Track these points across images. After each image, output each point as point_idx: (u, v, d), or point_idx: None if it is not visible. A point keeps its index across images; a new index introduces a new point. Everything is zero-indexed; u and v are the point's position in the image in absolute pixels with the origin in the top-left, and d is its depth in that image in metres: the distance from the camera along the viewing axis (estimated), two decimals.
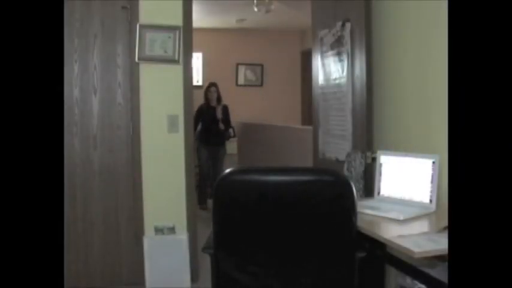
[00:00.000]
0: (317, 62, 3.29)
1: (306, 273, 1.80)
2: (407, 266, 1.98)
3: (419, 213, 2.02)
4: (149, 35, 3.18)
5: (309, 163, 3.61)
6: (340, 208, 1.73)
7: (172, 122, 3.27)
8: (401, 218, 1.92)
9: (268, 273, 1.81)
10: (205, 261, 2.24)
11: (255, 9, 5.88)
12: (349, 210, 1.73)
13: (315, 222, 1.75)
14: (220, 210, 1.80)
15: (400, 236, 1.69)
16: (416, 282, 2.08)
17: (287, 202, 1.74)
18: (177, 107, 3.29)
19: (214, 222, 1.83)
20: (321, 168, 1.75)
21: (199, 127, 5.59)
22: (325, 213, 1.74)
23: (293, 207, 1.74)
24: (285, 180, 1.76)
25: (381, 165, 2.31)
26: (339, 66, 2.96)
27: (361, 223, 1.94)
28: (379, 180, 2.30)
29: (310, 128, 3.66)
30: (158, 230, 3.25)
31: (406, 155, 2.22)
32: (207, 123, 5.60)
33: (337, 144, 3.01)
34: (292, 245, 1.79)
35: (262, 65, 8.29)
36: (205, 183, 5.73)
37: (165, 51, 3.22)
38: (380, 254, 2.17)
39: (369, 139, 2.68)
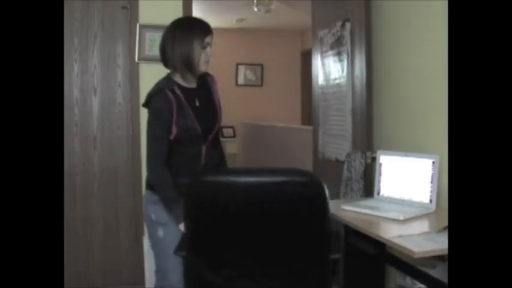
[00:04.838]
0: (317, 62, 3.29)
1: (280, 275, 1.76)
2: (407, 266, 1.98)
3: (419, 213, 2.02)
4: (149, 35, 3.17)
5: (308, 163, 3.61)
6: (311, 209, 1.70)
7: None
8: (401, 218, 1.92)
9: (242, 276, 1.77)
10: None
11: (255, 9, 5.89)
12: (321, 211, 1.69)
13: (287, 223, 1.72)
14: (192, 211, 1.75)
15: (400, 236, 1.69)
16: (416, 282, 2.08)
17: (258, 203, 1.69)
18: None
19: (186, 224, 1.79)
20: (293, 168, 1.69)
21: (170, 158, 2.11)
22: (297, 215, 1.70)
23: (265, 209, 1.69)
24: (256, 181, 1.71)
25: (380, 165, 2.31)
26: (338, 66, 2.96)
27: (361, 223, 1.94)
28: (379, 180, 2.30)
29: (310, 128, 3.67)
30: None
31: (406, 155, 2.22)
32: (197, 138, 2.14)
33: (337, 144, 3.01)
34: (265, 247, 1.75)
35: (262, 65, 8.28)
36: None
37: None
38: (380, 254, 2.17)
39: (368, 139, 2.68)
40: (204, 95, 2.21)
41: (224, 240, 1.77)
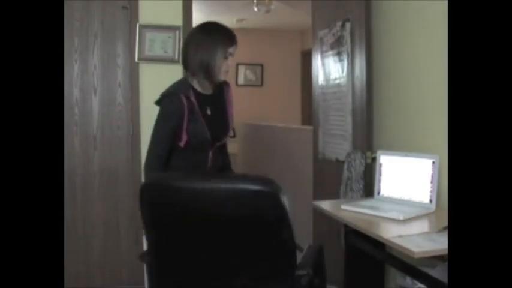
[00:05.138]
0: (317, 62, 3.29)
1: None
2: (407, 266, 1.98)
3: (419, 213, 2.02)
4: (149, 35, 3.18)
5: (309, 163, 3.61)
6: (266, 221, 1.54)
7: None
8: (401, 218, 1.92)
9: (197, 285, 1.69)
10: None
11: (255, 9, 5.89)
12: (278, 223, 1.54)
13: (241, 235, 1.58)
14: (145, 215, 1.70)
15: (400, 236, 1.69)
16: (416, 282, 2.08)
17: (204, 210, 1.58)
18: None
19: (145, 228, 1.73)
20: (248, 175, 1.57)
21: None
22: (251, 226, 1.56)
23: (214, 216, 1.58)
24: (202, 187, 1.59)
25: (380, 165, 2.31)
26: (339, 66, 2.96)
27: (361, 223, 1.94)
28: (379, 180, 2.30)
29: (310, 128, 3.66)
30: None
31: (406, 155, 2.22)
32: (207, 146, 2.16)
33: (337, 144, 3.01)
34: (218, 257, 1.63)
35: (262, 65, 8.29)
36: None
37: (165, 51, 3.22)
38: (380, 254, 2.17)
39: (368, 139, 2.68)
40: (217, 104, 2.19)
41: (176, 247, 1.69)
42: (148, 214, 1.69)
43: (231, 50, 2.10)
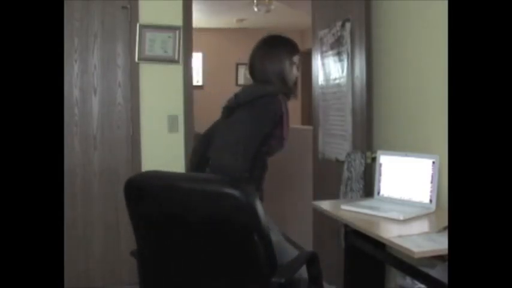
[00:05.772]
0: (317, 62, 3.29)
1: None
2: (407, 266, 1.98)
3: (419, 213, 2.02)
4: (149, 35, 3.18)
5: (308, 163, 3.61)
6: (235, 224, 1.51)
7: (172, 122, 3.27)
8: (401, 218, 1.92)
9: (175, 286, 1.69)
10: None
11: (255, 9, 5.88)
12: (250, 229, 1.50)
13: (213, 240, 1.57)
14: (128, 212, 1.70)
15: (400, 236, 1.69)
16: (416, 282, 2.08)
17: (180, 211, 1.59)
18: (177, 107, 3.29)
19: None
20: (219, 177, 1.59)
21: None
22: (221, 228, 1.53)
23: (186, 218, 1.59)
24: (167, 184, 1.60)
25: (380, 165, 2.31)
26: (339, 66, 2.96)
27: (361, 223, 1.94)
28: (379, 180, 2.30)
29: (310, 128, 3.66)
30: None
31: (406, 155, 2.22)
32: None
33: (337, 144, 3.01)
34: (199, 260, 1.63)
35: None
36: None
37: (165, 51, 3.22)
38: (380, 254, 2.17)
39: (368, 139, 2.68)
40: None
41: (154, 245, 1.69)
42: (129, 211, 1.70)
43: (295, 59, 2.15)
